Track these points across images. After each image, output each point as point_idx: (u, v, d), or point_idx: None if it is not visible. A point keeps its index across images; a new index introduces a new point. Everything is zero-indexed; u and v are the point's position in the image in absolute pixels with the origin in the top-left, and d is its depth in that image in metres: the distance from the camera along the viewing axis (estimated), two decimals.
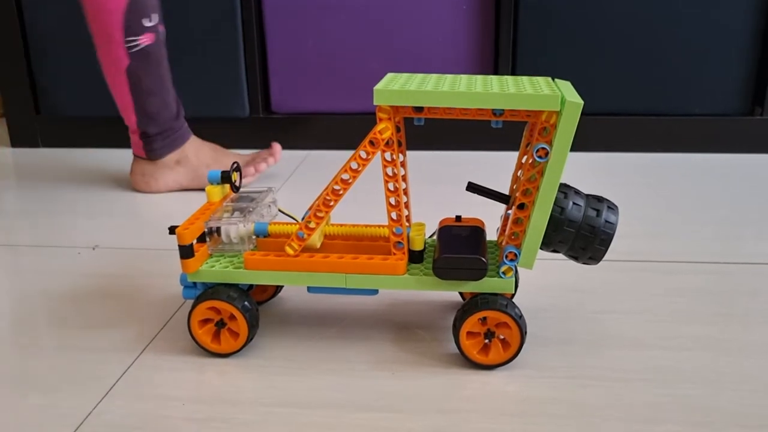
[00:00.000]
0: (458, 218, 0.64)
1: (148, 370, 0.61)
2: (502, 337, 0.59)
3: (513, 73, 1.26)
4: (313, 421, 0.54)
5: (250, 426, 0.53)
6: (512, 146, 1.23)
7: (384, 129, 0.55)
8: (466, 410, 0.55)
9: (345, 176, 0.57)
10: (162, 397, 0.57)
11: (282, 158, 1.28)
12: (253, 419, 0.54)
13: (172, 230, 0.61)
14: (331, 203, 0.59)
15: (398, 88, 0.54)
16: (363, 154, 0.56)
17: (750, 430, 0.52)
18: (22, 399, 0.58)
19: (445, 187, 1.08)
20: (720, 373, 0.59)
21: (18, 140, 1.40)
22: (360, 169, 0.57)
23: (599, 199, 0.59)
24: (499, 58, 1.25)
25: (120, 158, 1.32)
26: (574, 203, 0.57)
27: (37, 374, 0.61)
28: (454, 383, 0.58)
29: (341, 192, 0.58)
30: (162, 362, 0.62)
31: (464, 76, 0.60)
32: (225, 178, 0.66)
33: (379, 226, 0.64)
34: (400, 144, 0.60)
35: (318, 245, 0.61)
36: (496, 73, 1.26)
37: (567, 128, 0.52)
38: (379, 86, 0.55)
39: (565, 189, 0.58)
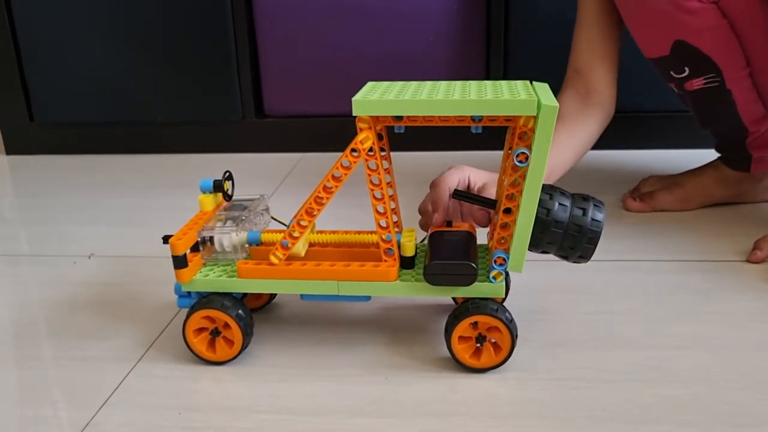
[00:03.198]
0: (449, 223, 0.65)
1: (144, 379, 0.62)
2: (493, 340, 0.60)
3: (505, 74, 1.26)
4: (309, 428, 0.54)
5: None
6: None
7: (365, 139, 0.56)
8: (459, 413, 0.55)
9: (328, 185, 0.58)
10: (158, 406, 0.58)
11: (276, 161, 1.29)
12: (249, 427, 0.55)
13: (165, 240, 0.61)
14: (315, 212, 0.59)
15: (377, 98, 0.55)
16: (345, 163, 0.57)
17: (740, 428, 0.53)
18: (19, 410, 0.58)
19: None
20: (709, 372, 0.59)
21: (12, 147, 1.41)
22: (343, 177, 0.57)
23: (585, 198, 0.60)
24: (491, 59, 1.26)
25: (114, 164, 1.32)
26: (559, 204, 0.58)
27: (33, 385, 0.62)
28: (446, 387, 0.59)
29: (324, 201, 0.59)
30: (158, 371, 0.63)
31: (444, 83, 0.60)
32: (217, 186, 0.66)
33: (370, 232, 0.65)
34: (383, 151, 0.61)
35: (302, 254, 0.62)
36: (488, 74, 1.27)
37: (544, 132, 0.53)
38: (357, 97, 0.55)
39: (550, 190, 0.59)
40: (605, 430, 0.53)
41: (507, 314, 0.59)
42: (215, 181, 0.66)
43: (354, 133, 0.56)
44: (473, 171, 0.75)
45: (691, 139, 1.24)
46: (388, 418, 0.55)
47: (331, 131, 1.32)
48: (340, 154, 0.57)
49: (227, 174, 0.67)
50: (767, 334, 0.65)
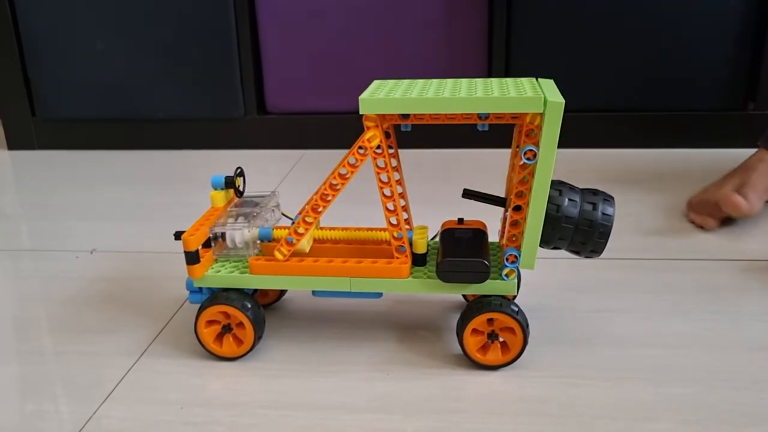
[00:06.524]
0: (460, 221, 0.65)
1: (146, 373, 0.61)
2: (502, 339, 0.60)
3: (506, 72, 1.26)
4: (311, 423, 0.54)
5: (248, 429, 0.54)
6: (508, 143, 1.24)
7: (372, 137, 0.56)
8: (460, 410, 0.55)
9: (334, 182, 0.58)
10: (161, 401, 0.58)
11: (278, 158, 1.28)
12: (251, 422, 0.54)
13: (177, 236, 0.61)
14: (320, 209, 0.59)
15: (384, 96, 0.55)
16: (352, 161, 0.57)
17: (740, 428, 0.52)
18: (22, 404, 0.58)
19: (447, 187, 1.08)
20: (710, 371, 0.59)
21: (14, 143, 1.40)
22: (349, 175, 0.57)
23: (594, 193, 0.60)
24: (493, 57, 1.25)
25: (116, 160, 1.32)
26: (569, 199, 0.58)
27: (35, 379, 0.61)
28: (449, 384, 0.59)
29: (330, 198, 0.59)
30: (160, 366, 0.62)
31: (450, 81, 0.60)
32: (229, 183, 0.66)
33: (381, 229, 0.65)
34: (391, 149, 0.61)
35: (307, 250, 0.62)
36: (490, 72, 1.27)
37: (551, 128, 0.53)
38: (364, 95, 0.55)
39: (559, 186, 0.59)
40: (605, 427, 0.53)
41: (525, 318, 0.59)
42: (227, 178, 0.65)
43: (356, 130, 0.56)
44: None
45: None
46: (390, 414, 0.55)
47: (333, 128, 1.31)
48: (341, 150, 0.57)
49: (239, 170, 0.67)
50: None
